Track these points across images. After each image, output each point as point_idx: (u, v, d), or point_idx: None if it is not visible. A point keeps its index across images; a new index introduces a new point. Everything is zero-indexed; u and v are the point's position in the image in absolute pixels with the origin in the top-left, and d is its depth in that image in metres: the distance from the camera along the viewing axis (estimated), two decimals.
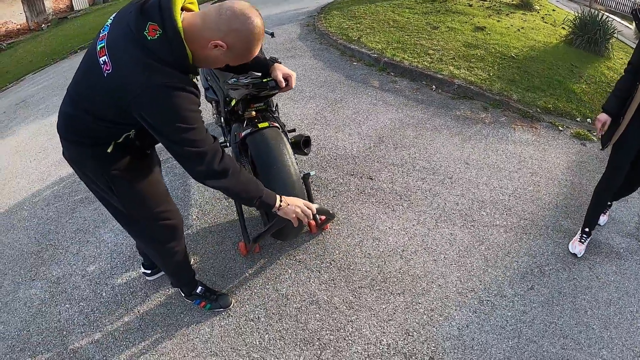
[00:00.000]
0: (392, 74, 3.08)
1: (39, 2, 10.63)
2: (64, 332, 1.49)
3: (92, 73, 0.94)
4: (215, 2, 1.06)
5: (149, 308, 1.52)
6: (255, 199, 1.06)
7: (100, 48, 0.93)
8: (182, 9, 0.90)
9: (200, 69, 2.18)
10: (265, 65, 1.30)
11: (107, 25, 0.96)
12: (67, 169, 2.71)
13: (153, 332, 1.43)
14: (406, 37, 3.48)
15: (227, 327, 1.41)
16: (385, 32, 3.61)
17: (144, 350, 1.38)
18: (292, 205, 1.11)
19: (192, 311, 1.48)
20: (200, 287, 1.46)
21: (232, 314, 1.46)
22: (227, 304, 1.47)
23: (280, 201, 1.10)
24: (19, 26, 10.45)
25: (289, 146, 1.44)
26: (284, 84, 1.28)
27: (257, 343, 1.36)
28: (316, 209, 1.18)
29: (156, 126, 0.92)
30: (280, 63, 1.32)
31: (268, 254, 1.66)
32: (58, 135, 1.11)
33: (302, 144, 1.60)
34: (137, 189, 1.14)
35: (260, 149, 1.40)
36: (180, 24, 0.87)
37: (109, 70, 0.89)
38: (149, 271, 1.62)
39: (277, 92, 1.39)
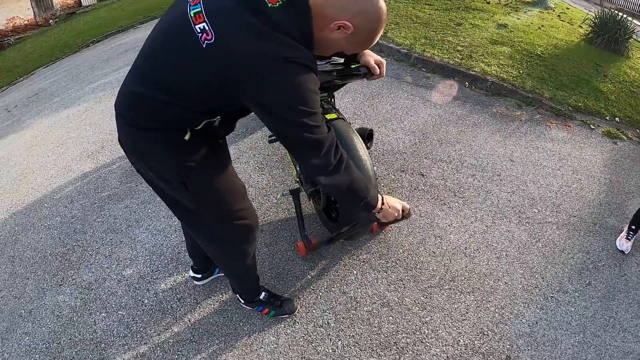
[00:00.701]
0: (424, 69, 3.05)
1: None
2: (102, 345, 1.36)
3: (181, 43, 0.79)
4: None
5: (202, 316, 1.41)
6: (363, 199, 0.95)
7: (196, 14, 0.77)
8: None
9: None
10: None
11: None
12: (89, 164, 2.57)
13: (209, 343, 1.32)
14: (432, 33, 3.46)
15: (295, 335, 1.33)
16: (410, 27, 3.58)
17: None
18: (392, 207, 1.02)
19: (252, 318, 1.39)
20: (263, 293, 1.35)
21: (298, 321, 1.37)
22: (293, 309, 1.37)
23: (382, 202, 1.00)
24: (26, 22, 10.13)
25: (360, 139, 1.38)
26: (377, 71, 1.17)
27: (330, 351, 1.29)
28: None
29: (271, 107, 0.78)
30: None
31: (329, 254, 1.60)
32: (117, 117, 0.94)
33: (365, 138, 1.55)
34: (215, 184, 0.99)
35: None
36: None
37: (210, 39, 0.75)
38: (199, 275, 1.48)
39: (361, 80, 1.30)
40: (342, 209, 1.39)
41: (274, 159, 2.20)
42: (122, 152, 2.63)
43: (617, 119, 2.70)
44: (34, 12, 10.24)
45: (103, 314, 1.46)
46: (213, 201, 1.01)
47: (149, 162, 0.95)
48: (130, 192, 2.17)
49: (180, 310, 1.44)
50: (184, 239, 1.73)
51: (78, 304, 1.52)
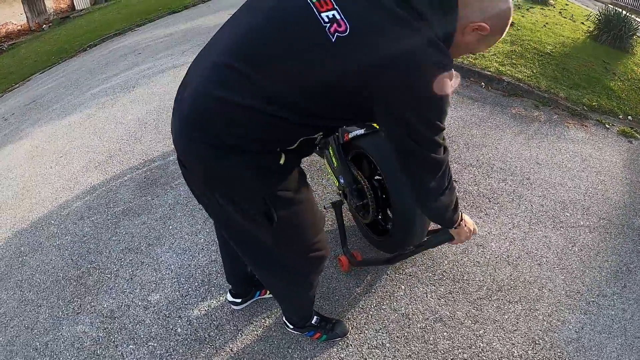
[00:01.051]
0: None
1: (40, 2, 10.23)
2: None
3: (299, 36, 0.63)
4: None
5: (245, 345, 1.32)
6: (454, 216, 0.87)
7: None
8: None
9: None
10: None
11: None
12: (97, 176, 2.44)
13: None
14: None
15: (350, 359, 1.28)
16: None
17: None
18: (467, 225, 0.98)
19: (300, 344, 1.32)
20: (315, 317, 1.28)
21: (351, 343, 1.32)
22: (345, 331, 1.31)
23: (461, 218, 0.95)
24: (19, 27, 9.98)
25: None
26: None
27: None
28: None
29: (409, 119, 0.65)
30: None
31: (372, 268, 1.57)
32: (182, 132, 0.73)
33: None
34: (301, 215, 0.86)
35: (388, 155, 1.28)
36: None
37: (342, 31, 0.61)
38: (238, 300, 1.38)
39: None
40: (397, 228, 1.34)
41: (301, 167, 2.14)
42: (132, 162, 2.51)
43: (629, 117, 2.76)
44: (26, 17, 10.09)
45: (131, 346, 1.36)
46: (296, 234, 0.89)
47: (226, 191, 0.78)
48: (147, 207, 2.06)
49: (219, 339, 1.35)
50: (212, 259, 1.66)
51: (101, 334, 1.41)
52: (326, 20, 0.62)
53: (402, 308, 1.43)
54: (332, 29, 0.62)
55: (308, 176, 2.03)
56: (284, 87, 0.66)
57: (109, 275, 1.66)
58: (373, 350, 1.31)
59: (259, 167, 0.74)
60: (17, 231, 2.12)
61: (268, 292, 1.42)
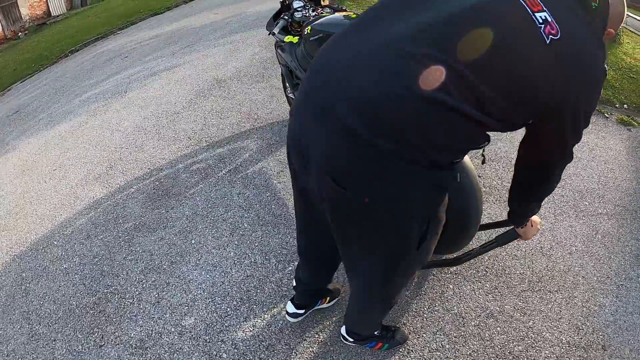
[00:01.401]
0: None
1: (15, 10, 9.86)
2: None
3: (511, 32, 0.61)
4: None
5: None
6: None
7: None
8: None
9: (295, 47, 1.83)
10: None
11: None
12: (99, 189, 2.29)
13: None
14: None
15: None
16: None
17: None
18: (534, 223, 1.00)
19: (362, 355, 1.29)
20: None
21: (411, 349, 1.31)
22: (405, 338, 1.31)
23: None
24: None
25: None
26: None
27: None
28: None
29: (580, 118, 0.69)
30: None
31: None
32: (346, 143, 0.62)
33: None
34: (438, 236, 0.82)
35: None
36: None
37: (555, 35, 0.60)
38: (301, 311, 1.29)
39: None
40: (452, 228, 1.31)
41: None
42: (136, 172, 2.37)
43: (625, 105, 2.90)
44: (1, 25, 9.73)
45: None
46: (425, 257, 0.84)
47: (393, 211, 0.68)
48: (162, 221, 1.93)
49: None
50: (248, 274, 1.58)
51: None
52: (540, 21, 0.61)
53: (454, 308, 1.44)
54: (546, 31, 0.61)
55: None
56: (494, 86, 0.61)
57: (131, 300, 1.54)
58: (434, 353, 1.32)
59: (438, 186, 0.69)
60: (16, 255, 1.95)
61: (327, 300, 1.39)
